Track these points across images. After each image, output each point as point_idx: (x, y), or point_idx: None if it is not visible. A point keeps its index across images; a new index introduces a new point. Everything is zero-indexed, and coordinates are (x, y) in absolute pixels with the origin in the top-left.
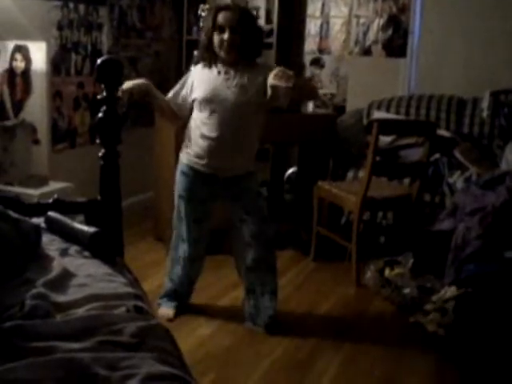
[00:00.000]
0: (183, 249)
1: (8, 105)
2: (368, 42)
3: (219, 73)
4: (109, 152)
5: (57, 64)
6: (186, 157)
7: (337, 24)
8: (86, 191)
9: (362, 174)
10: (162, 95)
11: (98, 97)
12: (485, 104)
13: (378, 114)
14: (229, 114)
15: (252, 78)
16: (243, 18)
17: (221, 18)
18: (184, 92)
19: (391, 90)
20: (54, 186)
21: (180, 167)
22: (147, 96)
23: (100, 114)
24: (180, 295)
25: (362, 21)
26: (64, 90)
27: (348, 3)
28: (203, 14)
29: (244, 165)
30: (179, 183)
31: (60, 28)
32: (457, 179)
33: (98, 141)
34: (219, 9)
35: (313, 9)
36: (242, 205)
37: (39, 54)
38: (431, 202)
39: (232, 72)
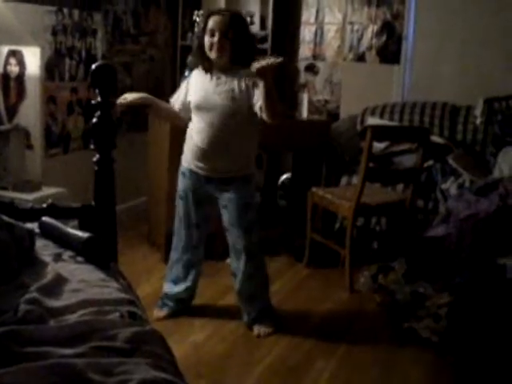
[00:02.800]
0: (182, 252)
1: (2, 109)
2: (362, 49)
3: (211, 78)
4: (103, 157)
5: (51, 69)
6: (184, 158)
7: (331, 30)
8: (79, 196)
9: (355, 180)
10: (166, 105)
11: (93, 102)
12: (478, 111)
13: (371, 121)
14: (217, 119)
15: (241, 83)
16: (234, 22)
17: (211, 21)
18: (182, 96)
19: (385, 96)
20: (48, 191)
21: (180, 168)
22: (148, 109)
23: (94, 119)
24: (180, 298)
25: (356, 27)
26: (58, 95)
27: (342, 10)
28: (198, 19)
29: (238, 168)
30: (179, 184)
31: (54, 33)
32: (450, 185)
33: (92, 146)
34: (211, 13)
35: (307, 15)
36: (227, 214)
37: (33, 59)
38: (424, 208)
39: (223, 77)
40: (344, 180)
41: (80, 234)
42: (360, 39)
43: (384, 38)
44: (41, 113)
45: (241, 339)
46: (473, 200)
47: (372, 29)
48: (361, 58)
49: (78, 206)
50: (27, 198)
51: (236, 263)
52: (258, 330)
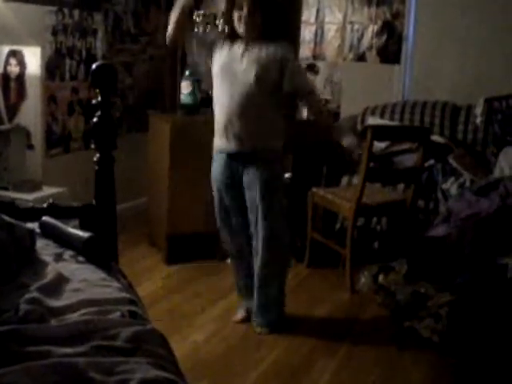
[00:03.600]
0: (228, 243)
1: (2, 109)
2: (362, 48)
3: (239, 47)
4: (104, 157)
5: (51, 69)
6: (214, 143)
7: (331, 30)
8: (80, 196)
9: (356, 180)
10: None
11: (93, 102)
12: (479, 110)
13: (372, 120)
14: (239, 89)
15: (271, 54)
16: None
17: None
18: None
19: (385, 96)
20: (48, 190)
21: (213, 156)
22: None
23: (95, 119)
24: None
25: (356, 27)
26: (58, 95)
27: (342, 9)
28: (198, 19)
29: (262, 141)
30: (212, 172)
31: (55, 33)
32: (451, 185)
33: (93, 146)
34: None
35: (307, 15)
36: (248, 195)
37: (34, 59)
38: (425, 208)
39: (250, 47)
40: (344, 180)
41: (81, 233)
42: (360, 39)
43: (384, 37)
44: (41, 113)
45: (241, 339)
46: (473, 200)
47: (372, 28)
48: (361, 57)
49: (79, 206)
50: (28, 197)
51: (255, 245)
52: (259, 327)
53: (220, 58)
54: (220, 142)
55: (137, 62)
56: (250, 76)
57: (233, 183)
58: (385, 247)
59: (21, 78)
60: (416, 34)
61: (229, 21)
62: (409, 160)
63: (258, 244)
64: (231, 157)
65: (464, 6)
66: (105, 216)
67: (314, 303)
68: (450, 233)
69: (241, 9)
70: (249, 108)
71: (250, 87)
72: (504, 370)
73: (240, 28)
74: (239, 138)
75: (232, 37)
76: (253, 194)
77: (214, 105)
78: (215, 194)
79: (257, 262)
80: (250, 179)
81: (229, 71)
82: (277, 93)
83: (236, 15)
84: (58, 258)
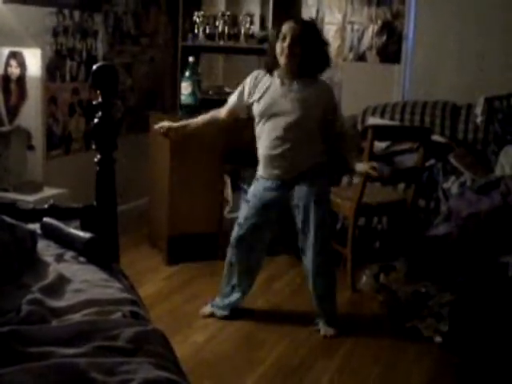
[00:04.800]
0: (237, 257)
1: (3, 111)
2: (362, 48)
3: (282, 84)
4: (105, 158)
5: (52, 70)
6: (259, 166)
7: (331, 30)
8: (81, 197)
9: (356, 179)
10: (191, 122)
11: (94, 103)
12: (479, 110)
13: (372, 120)
14: (285, 126)
15: (313, 93)
16: (306, 30)
17: (285, 26)
18: (240, 96)
19: (386, 95)
20: (49, 191)
21: (256, 175)
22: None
23: (95, 120)
24: (231, 303)
25: (356, 27)
26: (59, 96)
27: (342, 10)
28: (198, 20)
29: (307, 166)
30: (250, 189)
31: (55, 34)
32: (451, 184)
33: (93, 147)
34: (285, 20)
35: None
36: (299, 213)
37: (34, 61)
38: (426, 208)
39: (295, 85)
40: (345, 179)
41: (82, 234)
42: (360, 39)
43: (384, 37)
44: (42, 114)
45: (243, 340)
46: (474, 199)
47: (372, 28)
48: (361, 57)
49: (80, 207)
50: (29, 199)
51: (307, 261)
52: (324, 330)
53: (263, 94)
54: (267, 171)
55: (137, 63)
56: (295, 116)
57: (271, 205)
58: (386, 246)
59: (21, 79)
60: (416, 34)
61: (271, 52)
62: (409, 160)
63: (310, 254)
64: (278, 183)
65: (463, 6)
66: (106, 217)
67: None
68: (450, 232)
69: (283, 40)
70: (295, 144)
71: (296, 126)
72: (506, 368)
73: (280, 60)
74: (287, 169)
75: (272, 67)
76: (303, 209)
77: (258, 137)
78: (243, 212)
79: (313, 273)
80: (298, 196)
81: (272, 112)
82: (319, 124)
83: (278, 46)
84: (60, 258)
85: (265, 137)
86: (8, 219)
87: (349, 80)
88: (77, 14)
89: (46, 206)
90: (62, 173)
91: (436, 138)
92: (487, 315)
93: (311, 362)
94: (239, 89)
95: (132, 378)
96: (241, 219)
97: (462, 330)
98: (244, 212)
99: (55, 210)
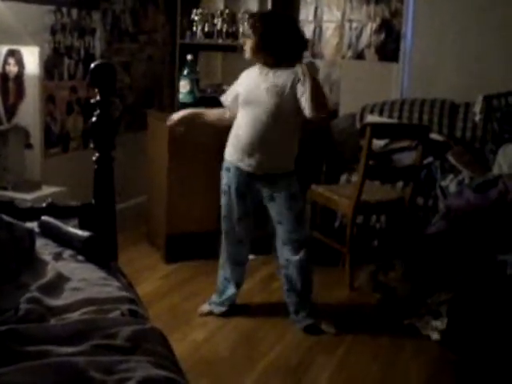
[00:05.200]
0: (227, 250)
1: (0, 109)
2: (361, 46)
3: (260, 74)
4: (103, 156)
5: (50, 68)
6: (228, 153)
7: (329, 28)
8: (79, 196)
9: (355, 177)
10: (211, 111)
11: (92, 101)
12: (477, 108)
13: (370, 118)
14: (264, 115)
15: (287, 80)
16: (266, 23)
17: (245, 24)
18: (234, 91)
19: (384, 93)
20: (47, 190)
21: (224, 163)
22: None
23: (94, 118)
24: (227, 298)
25: (354, 25)
26: (57, 95)
27: (341, 7)
28: (196, 18)
29: (282, 165)
30: (222, 178)
31: (53, 32)
32: (450, 183)
33: (91, 145)
34: (248, 16)
35: (306, 13)
36: (276, 207)
37: (32, 59)
38: (424, 206)
39: (270, 74)
40: (343, 178)
41: (80, 233)
42: (359, 37)
43: (383, 35)
44: (40, 112)
45: (241, 338)
46: (472, 197)
47: (371, 26)
48: (359, 55)
49: (78, 205)
50: (27, 197)
51: (288, 255)
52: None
53: (246, 82)
54: (240, 158)
55: (135, 61)
56: (269, 105)
57: (247, 194)
58: (384, 245)
59: (19, 77)
60: (414, 32)
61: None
62: (408, 158)
63: (284, 248)
64: (251, 175)
65: (462, 4)
66: (104, 215)
67: (313, 300)
68: (449, 230)
69: (248, 38)
70: (273, 133)
71: (275, 114)
72: (504, 366)
73: (250, 56)
74: (262, 160)
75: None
76: (281, 204)
77: (237, 124)
78: (224, 204)
79: (291, 266)
80: (274, 193)
81: (249, 100)
82: (297, 116)
83: (243, 42)
84: (58, 257)
85: (240, 123)
86: (6, 218)
87: (347, 78)
88: (75, 11)
89: (44, 204)
90: (60, 171)
91: (434, 136)
92: (485, 313)
93: (310, 360)
94: (233, 86)
95: (130, 377)
96: (224, 212)
97: (460, 328)
98: (224, 204)
99: (53, 209)
